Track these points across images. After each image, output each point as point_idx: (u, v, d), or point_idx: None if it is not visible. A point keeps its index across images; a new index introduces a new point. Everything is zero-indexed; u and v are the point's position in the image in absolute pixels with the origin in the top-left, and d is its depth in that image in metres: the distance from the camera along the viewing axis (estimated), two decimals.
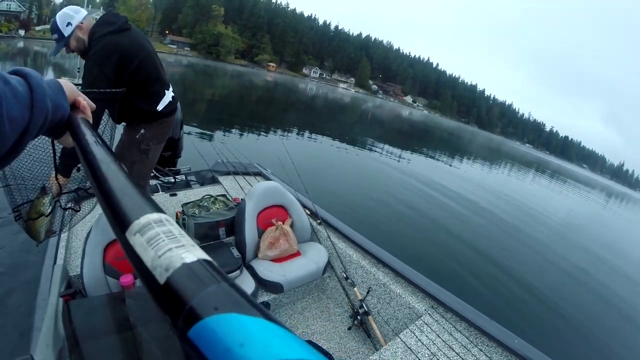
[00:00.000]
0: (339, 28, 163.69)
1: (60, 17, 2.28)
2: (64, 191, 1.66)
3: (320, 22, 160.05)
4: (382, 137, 22.60)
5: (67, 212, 1.81)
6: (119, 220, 0.31)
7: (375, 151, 15.38)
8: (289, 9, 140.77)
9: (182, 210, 2.95)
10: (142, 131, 2.56)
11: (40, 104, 0.50)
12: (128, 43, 2.31)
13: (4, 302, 2.87)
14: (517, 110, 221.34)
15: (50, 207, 1.44)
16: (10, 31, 65.61)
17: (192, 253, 0.27)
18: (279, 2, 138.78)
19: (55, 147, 0.98)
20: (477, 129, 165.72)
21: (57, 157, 1.01)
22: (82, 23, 2.29)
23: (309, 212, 3.18)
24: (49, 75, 21.35)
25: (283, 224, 2.82)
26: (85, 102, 0.71)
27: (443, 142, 34.70)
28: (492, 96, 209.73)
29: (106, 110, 2.07)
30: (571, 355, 4.70)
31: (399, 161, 14.85)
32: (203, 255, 0.27)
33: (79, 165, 1.85)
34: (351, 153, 13.40)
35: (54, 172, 1.43)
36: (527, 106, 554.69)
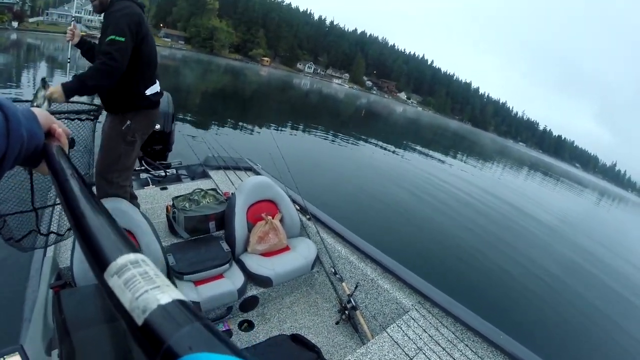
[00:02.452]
0: (334, 23, 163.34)
1: None
2: None
3: (316, 17, 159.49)
4: (375, 133, 22.64)
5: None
6: (98, 261, 0.31)
7: (367, 147, 15.44)
8: (284, 4, 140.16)
9: (173, 204, 2.96)
10: (128, 122, 2.52)
11: (16, 133, 0.49)
12: (141, 14, 2.40)
13: None
14: (511, 108, 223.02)
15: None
16: (3, 23, 64.66)
17: (167, 294, 0.28)
18: None
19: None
20: (471, 127, 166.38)
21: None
22: None
23: (298, 208, 3.19)
24: (43, 66, 21.10)
25: (273, 218, 2.84)
26: (60, 129, 0.67)
27: (436, 138, 34.90)
28: (486, 94, 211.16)
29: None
30: (557, 353, 4.77)
31: (390, 157, 14.93)
32: (178, 295, 0.29)
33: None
34: (343, 149, 13.44)
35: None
36: (521, 105, 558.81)
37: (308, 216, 3.14)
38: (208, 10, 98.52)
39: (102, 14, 2.39)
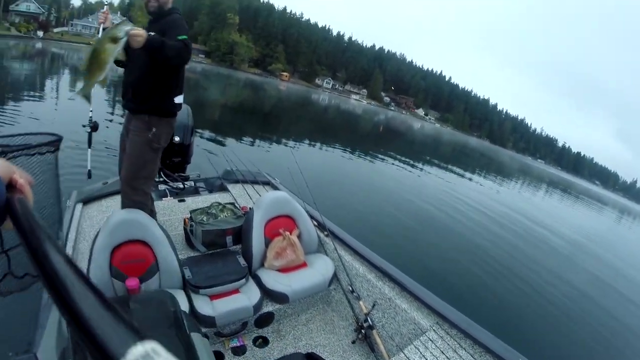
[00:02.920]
0: (353, 39, 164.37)
1: None
2: None
3: (334, 33, 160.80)
4: (393, 149, 22.49)
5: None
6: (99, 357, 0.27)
7: (386, 163, 15.32)
8: (303, 19, 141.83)
9: (190, 217, 2.98)
10: (154, 129, 2.61)
11: None
12: None
13: (8, 301, 2.89)
14: (529, 125, 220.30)
15: None
16: (29, 32, 67.27)
17: None
18: (293, 12, 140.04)
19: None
20: (489, 144, 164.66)
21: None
22: None
23: (316, 224, 3.17)
24: (66, 74, 21.65)
25: (290, 234, 2.82)
26: (22, 179, 0.63)
27: (455, 155, 34.53)
28: (504, 110, 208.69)
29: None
30: None
31: (408, 173, 14.78)
32: None
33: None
34: (361, 165, 13.41)
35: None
36: (540, 121, 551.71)
37: (326, 232, 3.11)
38: (228, 24, 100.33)
39: (152, 17, 2.66)
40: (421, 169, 17.23)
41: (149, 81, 2.53)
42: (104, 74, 2.12)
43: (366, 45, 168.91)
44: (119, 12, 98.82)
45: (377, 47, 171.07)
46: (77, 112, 11.20)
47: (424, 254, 6.81)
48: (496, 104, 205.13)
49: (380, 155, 16.87)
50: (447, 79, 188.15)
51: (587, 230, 17.19)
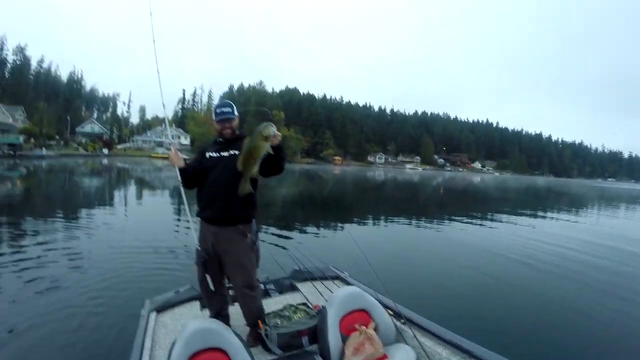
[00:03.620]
0: (395, 110, 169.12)
1: (233, 105, 3.13)
2: None
3: (376, 108, 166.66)
4: (458, 209, 21.68)
5: None
6: None
7: (454, 226, 14.51)
8: (343, 102, 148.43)
9: (264, 321, 3.03)
10: (249, 235, 2.94)
11: None
12: None
13: None
14: (589, 146, 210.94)
15: None
16: (95, 150, 76.60)
17: None
18: (333, 97, 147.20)
19: None
20: (554, 178, 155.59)
21: None
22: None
23: (391, 313, 3.07)
24: (132, 186, 23.53)
25: (366, 327, 2.74)
26: None
27: (524, 199, 32.31)
28: (559, 140, 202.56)
29: None
30: None
31: (481, 231, 13.78)
32: None
33: None
34: (429, 234, 12.88)
35: None
36: (598, 139, 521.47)
37: (403, 320, 2.99)
38: (275, 121, 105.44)
39: (226, 141, 3.07)
40: (493, 224, 15.69)
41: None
42: (257, 167, 2.55)
43: (409, 113, 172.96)
44: (173, 125, 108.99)
45: (419, 112, 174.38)
46: (145, 220, 12.02)
47: (515, 324, 5.50)
48: (549, 135, 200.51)
49: (447, 219, 16.12)
50: (494, 125, 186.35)
51: None
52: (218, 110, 3.06)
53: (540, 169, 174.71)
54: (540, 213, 21.55)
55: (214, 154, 3.02)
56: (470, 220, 16.19)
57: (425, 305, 5.10)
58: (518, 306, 6.20)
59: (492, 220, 17.00)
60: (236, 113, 3.10)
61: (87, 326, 4.53)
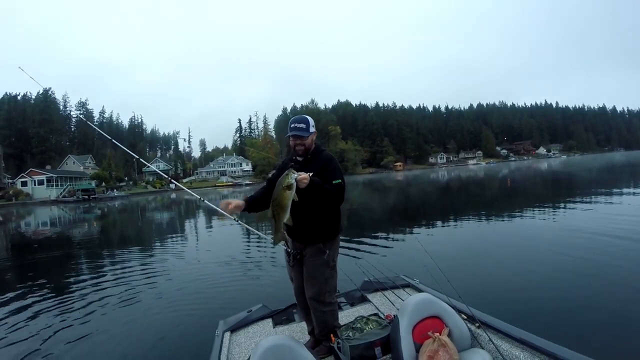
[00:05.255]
0: (449, 107, 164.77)
1: (310, 120, 3.12)
2: None
3: (430, 108, 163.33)
4: (529, 199, 20.12)
5: None
6: None
7: (526, 219, 13.58)
8: (397, 108, 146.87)
9: (336, 334, 3.04)
10: (328, 252, 3.08)
11: None
12: None
13: None
14: None
15: None
16: (162, 186, 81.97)
17: None
18: (385, 104, 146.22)
19: None
20: (624, 152, 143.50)
21: None
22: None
23: (465, 317, 2.97)
24: (201, 218, 24.67)
25: (440, 334, 2.68)
26: None
27: (599, 178, 29.30)
28: (625, 110, 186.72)
29: None
30: None
31: (556, 222, 12.57)
32: None
33: None
34: (500, 229, 12.29)
35: None
36: None
37: (477, 324, 2.87)
38: (332, 136, 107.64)
39: (301, 158, 3.16)
40: (568, 211, 14.20)
41: (317, 214, 3.02)
42: (287, 215, 2.68)
43: (464, 108, 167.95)
44: (234, 154, 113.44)
45: (475, 105, 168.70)
46: (217, 249, 12.51)
47: (604, 320, 4.76)
48: (613, 107, 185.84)
49: (518, 213, 15.11)
50: (554, 105, 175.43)
51: None
52: (291, 125, 3.07)
53: (609, 145, 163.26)
54: (625, 189, 19.90)
55: None
56: (543, 211, 15.10)
57: (501, 307, 4.86)
58: (614, 306, 5.17)
59: (570, 208, 15.37)
60: (312, 130, 3.08)
61: (165, 346, 4.95)
